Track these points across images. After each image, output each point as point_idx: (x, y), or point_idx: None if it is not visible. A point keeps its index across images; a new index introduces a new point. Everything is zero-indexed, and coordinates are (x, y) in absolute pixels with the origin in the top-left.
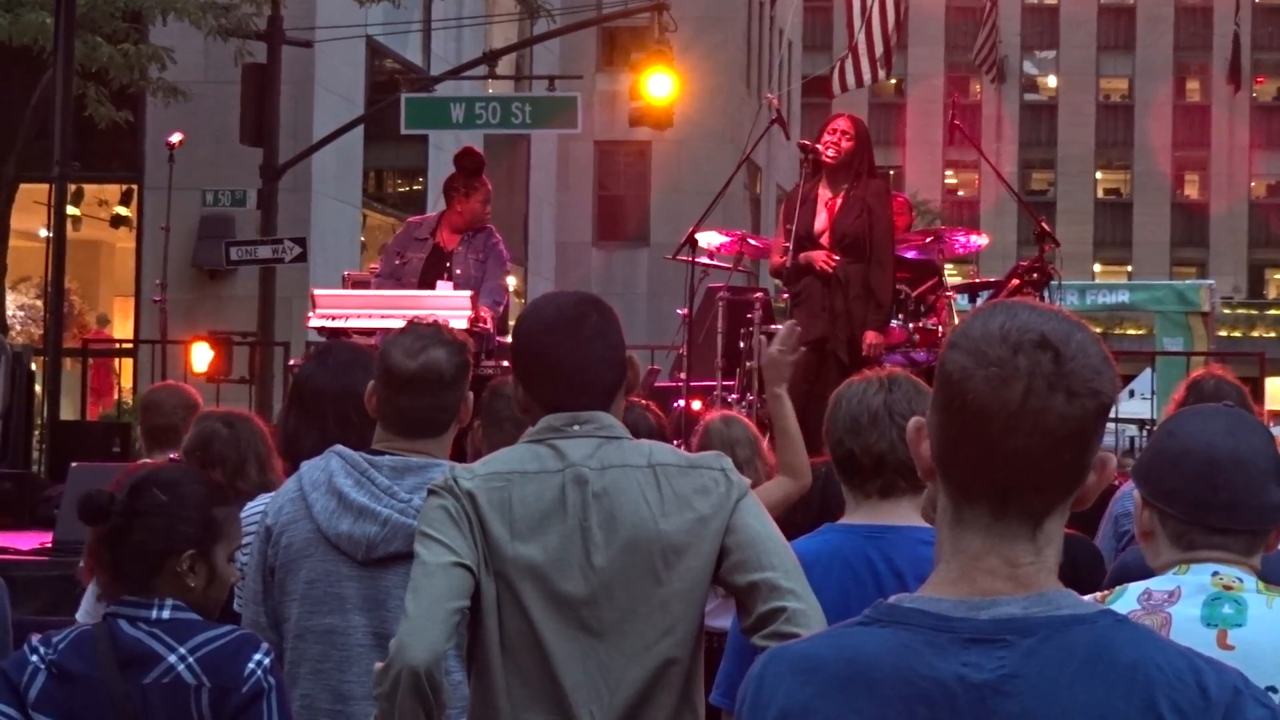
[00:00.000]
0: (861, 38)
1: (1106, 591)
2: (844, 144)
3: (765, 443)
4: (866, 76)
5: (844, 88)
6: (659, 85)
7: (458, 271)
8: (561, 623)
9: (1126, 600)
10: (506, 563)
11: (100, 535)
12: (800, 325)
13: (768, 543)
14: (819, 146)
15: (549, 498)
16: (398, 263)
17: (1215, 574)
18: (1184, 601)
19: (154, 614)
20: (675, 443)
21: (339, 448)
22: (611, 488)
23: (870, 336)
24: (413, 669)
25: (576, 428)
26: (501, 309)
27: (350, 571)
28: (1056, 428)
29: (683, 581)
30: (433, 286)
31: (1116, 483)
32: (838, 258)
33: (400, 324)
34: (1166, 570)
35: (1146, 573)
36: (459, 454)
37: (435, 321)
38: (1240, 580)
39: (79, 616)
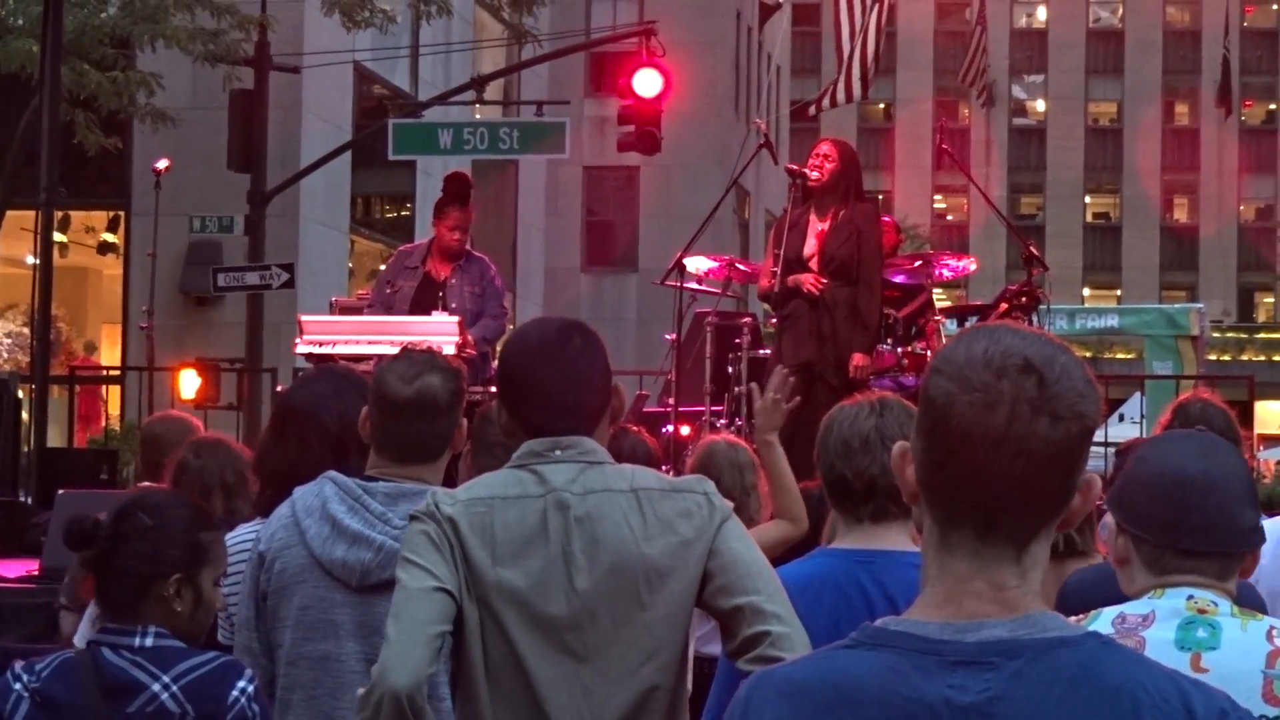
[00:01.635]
0: (856, 57)
1: (1081, 616)
2: (827, 166)
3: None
4: (841, 97)
5: (818, 108)
6: (647, 82)
7: (453, 305)
8: (545, 647)
9: (1101, 625)
10: (489, 588)
11: (86, 560)
12: (787, 348)
13: (751, 566)
14: (805, 171)
15: (531, 523)
16: (389, 291)
17: (1190, 598)
18: (1158, 625)
19: (137, 641)
20: (665, 468)
21: (332, 474)
22: (594, 512)
23: (857, 359)
24: (395, 694)
25: (558, 453)
26: (495, 345)
27: (344, 598)
28: (1041, 452)
29: (666, 606)
30: (426, 315)
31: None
32: (825, 281)
33: (388, 350)
34: (1142, 595)
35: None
36: (449, 479)
37: (429, 348)
38: (1215, 604)
39: (76, 640)
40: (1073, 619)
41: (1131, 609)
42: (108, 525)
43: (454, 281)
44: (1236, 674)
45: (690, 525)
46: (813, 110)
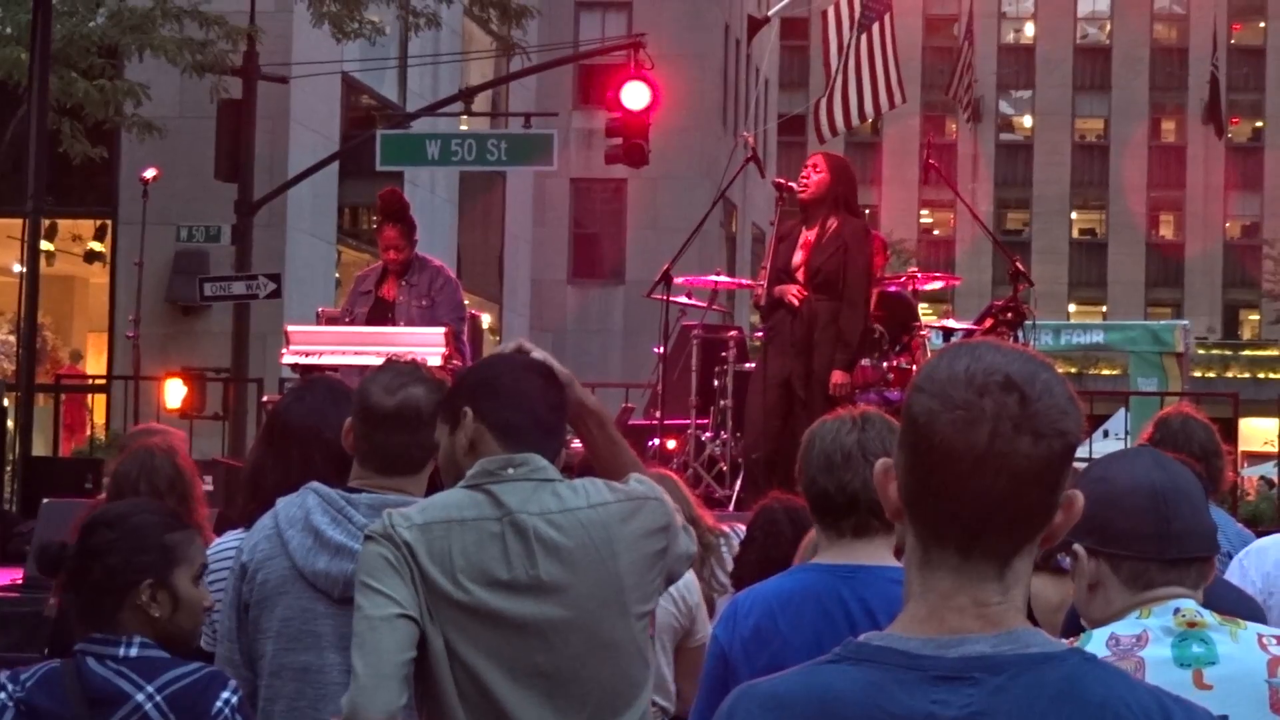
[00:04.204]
0: (850, 78)
1: (1073, 639)
2: (814, 177)
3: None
4: (855, 118)
5: (834, 130)
6: (635, 95)
7: (401, 322)
8: (513, 670)
9: (1095, 646)
10: (452, 612)
11: (62, 583)
12: (770, 361)
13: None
14: (794, 184)
15: (490, 546)
16: (347, 320)
17: (1177, 611)
18: (1153, 644)
19: (122, 651)
20: None
21: (315, 485)
22: (556, 535)
23: (836, 376)
24: None
25: (510, 470)
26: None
27: (326, 609)
28: (1023, 469)
29: (634, 621)
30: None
31: None
32: (807, 293)
33: (373, 360)
34: (1125, 615)
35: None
36: (434, 491)
37: (414, 359)
38: (1200, 615)
39: None
40: (1064, 641)
41: (1122, 629)
42: (74, 545)
43: (402, 299)
44: (1241, 687)
45: (651, 541)
46: (828, 135)
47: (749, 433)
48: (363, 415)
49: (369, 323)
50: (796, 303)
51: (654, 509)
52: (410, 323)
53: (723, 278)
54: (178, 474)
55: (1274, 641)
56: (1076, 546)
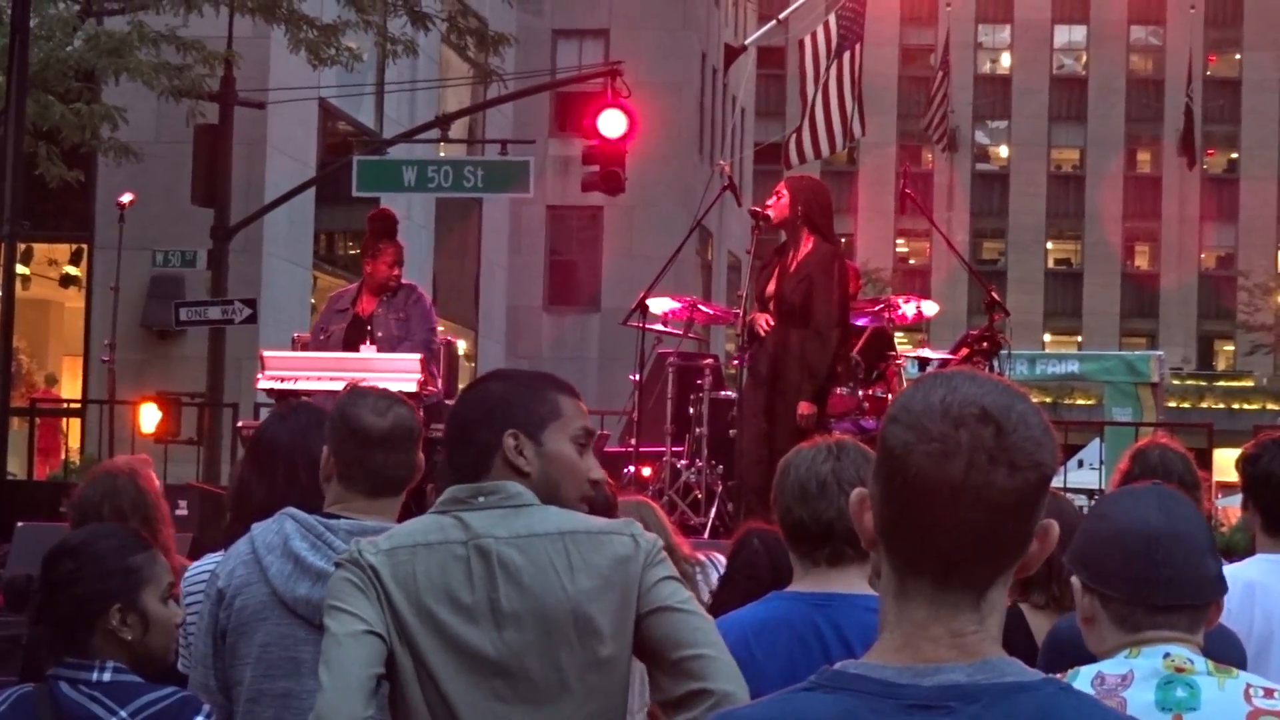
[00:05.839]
0: (818, 108)
1: (1059, 675)
2: (780, 203)
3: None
4: (825, 149)
5: (802, 158)
6: (612, 122)
7: (379, 334)
8: (478, 695)
9: (1080, 684)
10: (417, 636)
11: (29, 617)
12: (746, 390)
13: (691, 617)
14: (765, 212)
15: (454, 570)
16: (322, 337)
17: (1167, 655)
18: (1137, 685)
19: (95, 676)
20: None
21: (292, 510)
22: (518, 558)
23: (803, 407)
24: None
25: (481, 499)
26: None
27: (307, 635)
28: (999, 501)
29: (600, 651)
30: (355, 352)
31: None
32: (774, 323)
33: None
34: (1116, 653)
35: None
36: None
37: (376, 386)
38: (1191, 661)
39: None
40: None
41: (1109, 668)
42: (39, 578)
43: (380, 312)
44: None
45: (620, 571)
46: (795, 162)
47: (739, 461)
48: (356, 438)
49: (345, 338)
50: (763, 333)
51: (624, 542)
52: (387, 333)
53: (703, 308)
54: (140, 495)
55: (1261, 694)
56: (1074, 579)
